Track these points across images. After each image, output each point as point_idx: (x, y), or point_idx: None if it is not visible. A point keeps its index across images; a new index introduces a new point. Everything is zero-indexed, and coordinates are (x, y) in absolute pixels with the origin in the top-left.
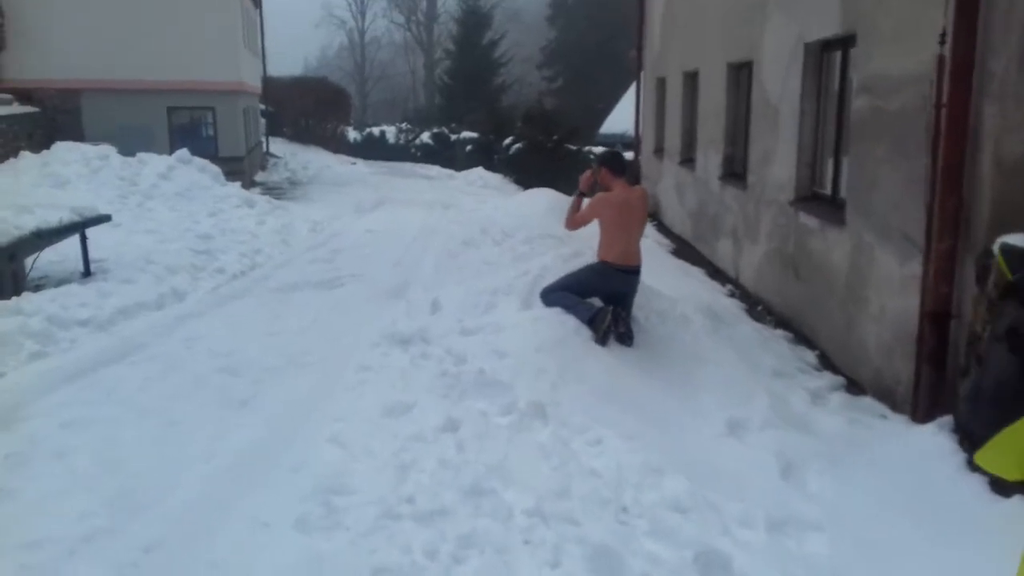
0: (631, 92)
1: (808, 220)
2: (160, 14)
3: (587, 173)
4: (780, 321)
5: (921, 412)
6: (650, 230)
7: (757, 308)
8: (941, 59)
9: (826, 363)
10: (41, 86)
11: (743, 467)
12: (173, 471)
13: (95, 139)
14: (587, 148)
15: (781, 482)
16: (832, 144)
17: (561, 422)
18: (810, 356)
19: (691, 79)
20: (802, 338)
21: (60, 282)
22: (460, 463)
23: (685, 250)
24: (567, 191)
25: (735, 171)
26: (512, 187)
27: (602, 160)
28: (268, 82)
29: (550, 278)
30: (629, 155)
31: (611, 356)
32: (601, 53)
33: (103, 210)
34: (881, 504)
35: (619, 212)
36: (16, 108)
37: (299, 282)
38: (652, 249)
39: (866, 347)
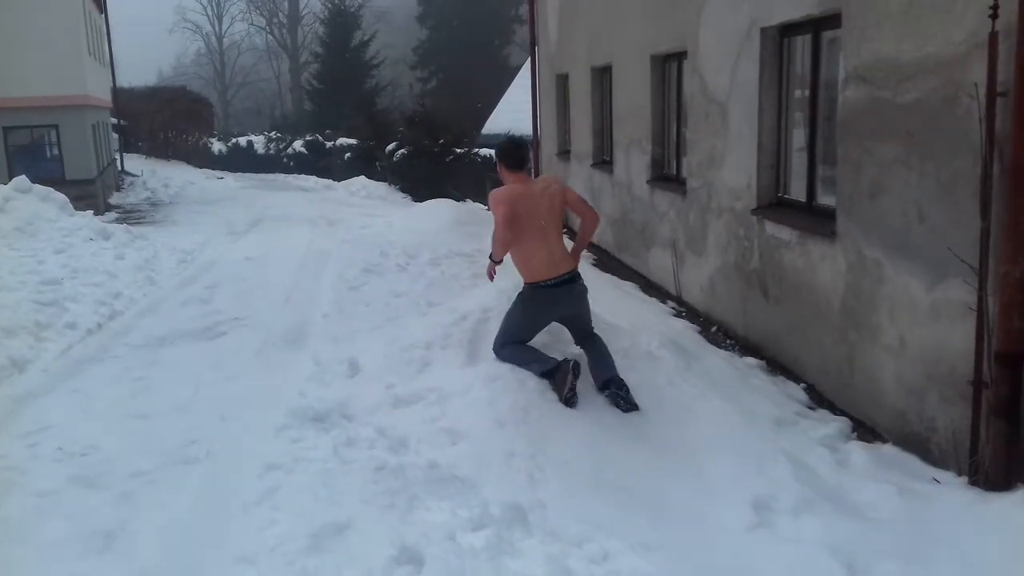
0: (514, 89)
1: (778, 231)
2: None
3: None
4: (746, 347)
5: (994, 475)
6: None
7: (712, 330)
8: (994, 37)
9: (818, 398)
10: None
11: None
12: None
13: None
14: (474, 150)
15: None
16: (804, 143)
17: (550, 533)
18: (798, 391)
19: (602, 74)
20: (779, 367)
21: None
22: None
23: (609, 262)
24: (458, 197)
25: (668, 175)
26: (399, 196)
27: (496, 154)
28: (119, 94)
29: (495, 323)
30: None
31: (589, 422)
32: (475, 51)
33: None
34: None
35: (514, 209)
36: None
37: (170, 333)
38: None
39: (879, 385)
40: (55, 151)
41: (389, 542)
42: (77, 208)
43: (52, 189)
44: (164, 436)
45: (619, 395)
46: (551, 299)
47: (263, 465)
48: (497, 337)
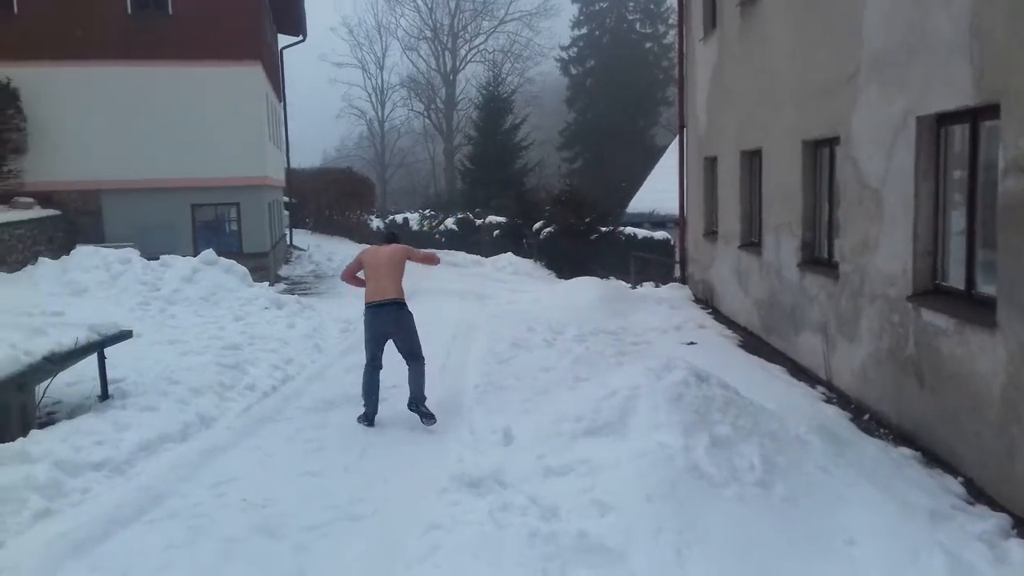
0: (659, 170)
1: (935, 319)
2: (185, 112)
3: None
4: (900, 436)
5: None
6: (709, 320)
7: (864, 418)
8: None
9: (976, 492)
10: (61, 188)
11: None
12: None
13: (116, 240)
14: (619, 229)
15: None
16: (962, 231)
17: None
18: (954, 484)
19: (751, 158)
20: (934, 458)
21: (74, 410)
22: None
23: (755, 343)
24: (602, 275)
25: (818, 258)
26: (544, 272)
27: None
28: (291, 174)
29: (643, 400)
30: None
31: (736, 502)
32: (621, 132)
33: (123, 320)
34: None
35: (366, 260)
36: (36, 212)
37: (336, 398)
38: (719, 343)
39: None
40: (234, 227)
41: None
42: (252, 279)
43: (234, 262)
44: (335, 493)
45: (418, 410)
46: (374, 315)
47: (425, 525)
48: None
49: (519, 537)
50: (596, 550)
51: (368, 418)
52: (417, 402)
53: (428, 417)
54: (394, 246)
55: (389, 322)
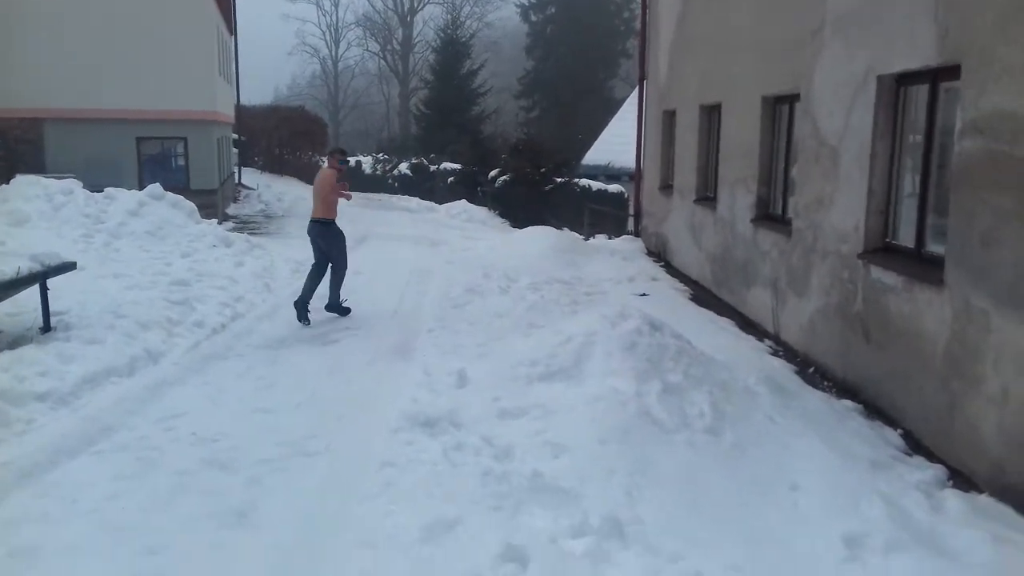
0: (616, 122)
1: (884, 276)
2: (133, 41)
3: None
4: (844, 389)
5: None
6: (661, 273)
7: (809, 371)
8: None
9: (914, 444)
10: (1, 115)
11: None
12: None
13: (59, 171)
14: (574, 180)
15: None
16: (915, 190)
17: (647, 546)
18: (893, 436)
19: (710, 112)
20: (876, 411)
21: (15, 341)
22: None
23: (706, 296)
24: (556, 225)
25: (772, 214)
26: (498, 221)
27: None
28: (241, 111)
29: (598, 346)
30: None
31: (686, 447)
32: (580, 83)
33: (66, 252)
34: None
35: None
36: None
37: (287, 337)
38: (670, 295)
39: (979, 434)
40: (181, 162)
41: (496, 540)
42: (200, 216)
43: (182, 197)
44: (287, 429)
45: (335, 308)
46: (308, 229)
47: (379, 462)
48: None
49: (473, 476)
50: (550, 490)
51: (302, 302)
52: (332, 302)
53: (344, 311)
54: (324, 173)
55: (317, 234)
